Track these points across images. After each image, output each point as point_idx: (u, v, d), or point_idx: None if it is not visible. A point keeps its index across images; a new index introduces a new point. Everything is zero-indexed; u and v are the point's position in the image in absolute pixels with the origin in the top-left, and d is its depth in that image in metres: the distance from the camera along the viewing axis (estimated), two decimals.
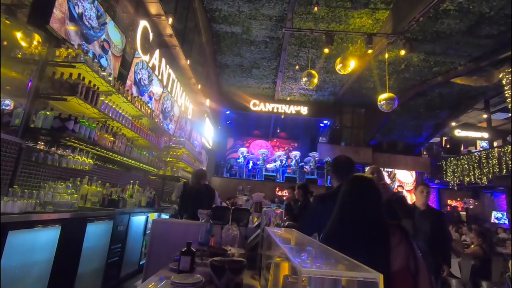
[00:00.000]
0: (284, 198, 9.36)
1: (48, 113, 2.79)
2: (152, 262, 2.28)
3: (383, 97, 7.33)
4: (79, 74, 3.07)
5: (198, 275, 1.35)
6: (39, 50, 2.94)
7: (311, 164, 12.15)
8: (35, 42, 3.05)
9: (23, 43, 3.02)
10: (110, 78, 3.59)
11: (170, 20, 5.64)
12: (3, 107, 2.88)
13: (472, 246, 4.62)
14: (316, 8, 7.01)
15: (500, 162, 10.35)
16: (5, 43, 2.92)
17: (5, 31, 2.92)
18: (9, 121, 2.69)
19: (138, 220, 4.16)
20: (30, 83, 2.83)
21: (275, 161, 12.78)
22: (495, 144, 13.27)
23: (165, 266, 1.65)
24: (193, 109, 8.76)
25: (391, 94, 7.38)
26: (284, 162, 12.57)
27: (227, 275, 1.27)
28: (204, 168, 9.16)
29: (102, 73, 3.36)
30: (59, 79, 2.98)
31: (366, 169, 3.36)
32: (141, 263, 4.19)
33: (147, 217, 4.41)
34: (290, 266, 1.20)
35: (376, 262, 0.93)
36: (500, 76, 8.67)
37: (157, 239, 2.37)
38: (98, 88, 3.35)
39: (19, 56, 2.92)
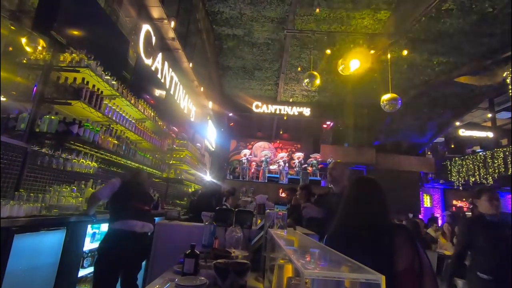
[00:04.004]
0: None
1: (52, 117, 2.81)
2: (156, 264, 2.28)
3: (386, 98, 7.29)
4: (83, 79, 3.10)
5: (202, 277, 1.35)
6: (44, 55, 2.98)
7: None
8: (39, 48, 3.08)
9: (28, 49, 3.06)
10: (114, 82, 3.62)
11: (173, 24, 5.68)
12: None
13: None
14: (317, 10, 7.03)
15: (506, 161, 10.24)
16: (10, 48, 2.96)
17: (11, 37, 2.97)
18: (14, 126, 2.73)
19: None
20: (35, 88, 2.86)
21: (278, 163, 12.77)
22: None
23: (169, 268, 1.66)
24: (196, 112, 8.79)
25: (394, 95, 7.34)
26: (286, 163, 12.54)
27: (231, 277, 1.28)
28: (207, 170, 9.18)
29: (105, 77, 3.39)
30: (64, 83, 3.01)
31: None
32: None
33: None
34: (293, 268, 1.20)
35: (381, 263, 0.93)
36: (504, 75, 8.60)
37: (161, 241, 2.38)
38: (101, 92, 3.37)
39: (24, 61, 2.95)
